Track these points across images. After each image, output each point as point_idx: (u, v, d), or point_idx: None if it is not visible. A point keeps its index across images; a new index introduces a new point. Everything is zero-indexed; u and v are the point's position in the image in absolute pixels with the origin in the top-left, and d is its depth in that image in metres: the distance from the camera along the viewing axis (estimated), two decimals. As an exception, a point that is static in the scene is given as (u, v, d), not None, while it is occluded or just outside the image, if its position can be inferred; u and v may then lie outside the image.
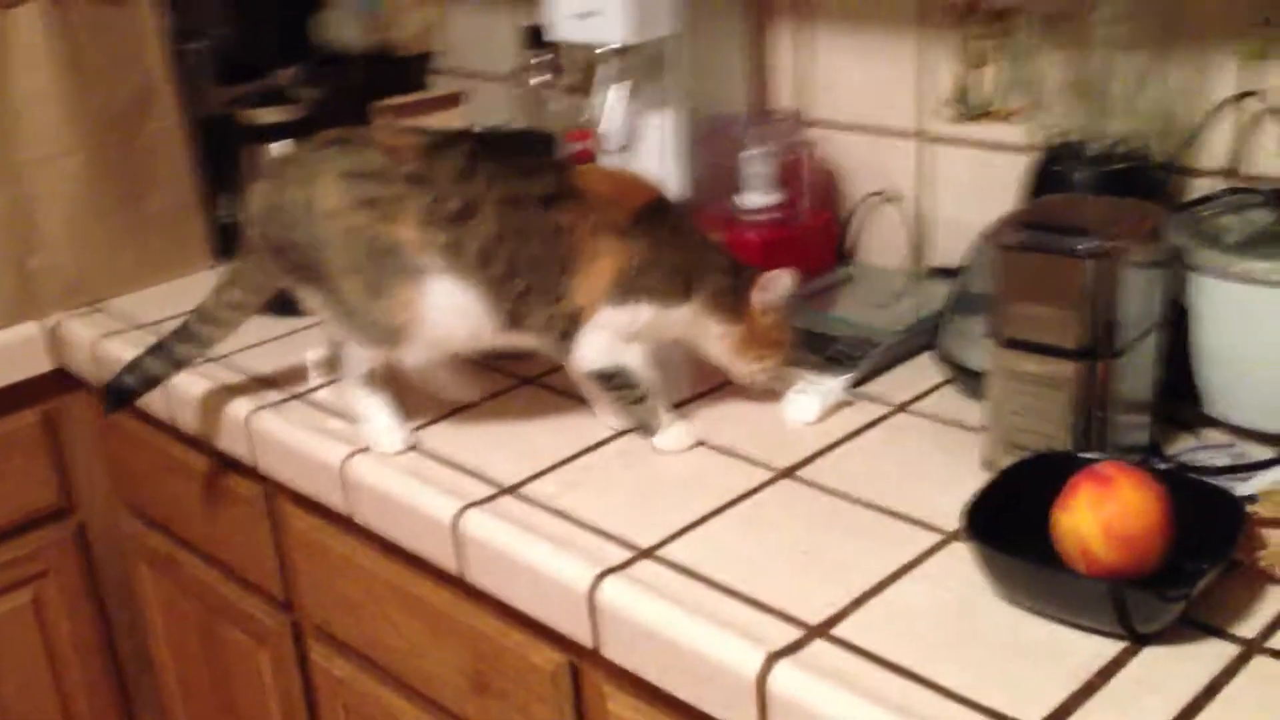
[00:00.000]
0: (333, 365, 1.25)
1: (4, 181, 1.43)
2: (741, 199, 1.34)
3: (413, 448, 1.12)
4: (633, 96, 1.31)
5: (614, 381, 1.09)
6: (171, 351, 1.16)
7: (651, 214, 1.07)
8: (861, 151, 1.40)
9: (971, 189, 1.32)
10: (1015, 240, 0.94)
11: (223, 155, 1.53)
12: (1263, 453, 0.99)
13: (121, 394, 1.18)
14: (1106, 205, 1.00)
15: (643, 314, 1.07)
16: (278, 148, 1.43)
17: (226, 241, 1.58)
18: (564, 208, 1.04)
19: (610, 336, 1.07)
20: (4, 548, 1.51)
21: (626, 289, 1.05)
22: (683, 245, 1.08)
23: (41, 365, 1.49)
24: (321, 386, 1.25)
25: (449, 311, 1.04)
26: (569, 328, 1.07)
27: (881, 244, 1.41)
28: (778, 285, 1.08)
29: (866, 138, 1.39)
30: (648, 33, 1.26)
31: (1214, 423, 1.03)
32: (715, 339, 1.10)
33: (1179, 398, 1.03)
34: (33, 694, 1.58)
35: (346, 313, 1.06)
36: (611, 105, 1.31)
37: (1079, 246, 0.90)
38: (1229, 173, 1.13)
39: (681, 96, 1.32)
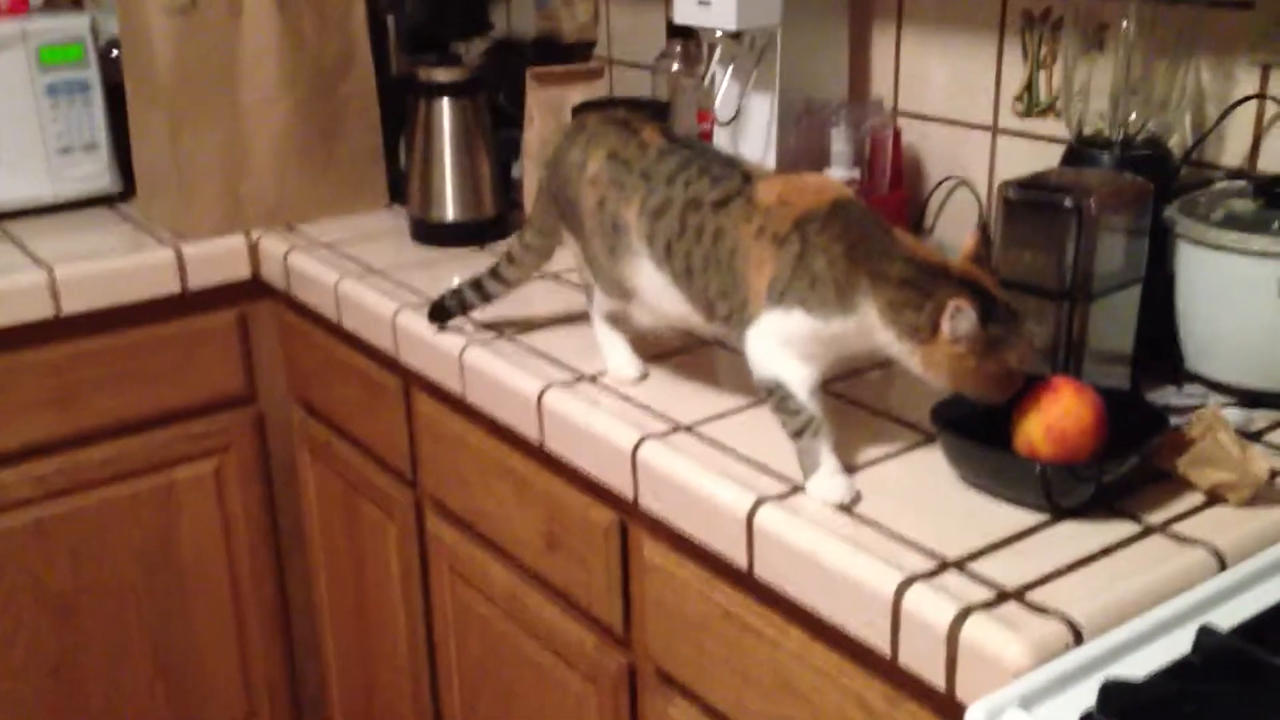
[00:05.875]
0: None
1: (230, 118, 1.75)
2: (827, 173, 1.54)
3: (645, 376, 1.28)
4: (742, 77, 1.54)
5: (775, 398, 1.07)
6: (483, 286, 1.38)
7: (814, 220, 1.04)
8: (942, 140, 1.59)
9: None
10: (1014, 195, 1.12)
11: (401, 114, 1.81)
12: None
13: (443, 313, 1.41)
14: (1101, 177, 1.16)
15: (796, 322, 1.05)
16: (449, 103, 1.69)
17: (398, 188, 1.87)
18: (730, 212, 1.08)
19: (770, 343, 1.07)
20: (198, 423, 1.83)
21: (781, 295, 1.05)
22: (847, 254, 1.02)
23: (243, 273, 1.80)
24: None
25: (659, 293, 1.17)
26: (744, 328, 1.10)
27: (955, 223, 1.58)
28: (963, 320, 0.96)
29: (946, 128, 1.58)
30: (755, 21, 1.48)
31: (1195, 378, 1.18)
32: (909, 357, 1.01)
33: (1167, 354, 1.19)
34: (206, 552, 1.89)
35: (592, 264, 1.24)
36: (722, 84, 1.54)
37: (1064, 202, 1.08)
38: (1240, 171, 1.28)
39: (783, 78, 1.53)
